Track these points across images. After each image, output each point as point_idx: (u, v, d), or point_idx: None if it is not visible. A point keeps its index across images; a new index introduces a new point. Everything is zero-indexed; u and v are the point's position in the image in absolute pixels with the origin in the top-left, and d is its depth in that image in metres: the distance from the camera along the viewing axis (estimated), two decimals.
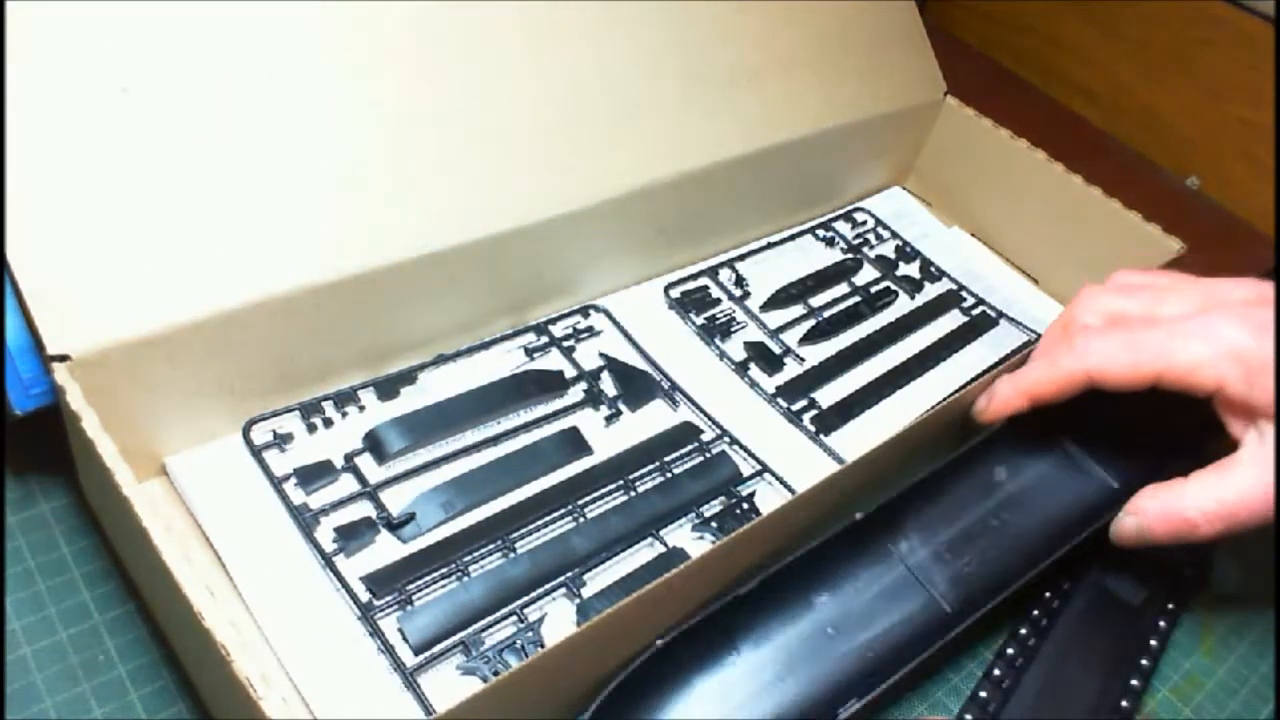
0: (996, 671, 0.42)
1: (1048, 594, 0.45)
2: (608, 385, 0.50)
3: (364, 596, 0.38)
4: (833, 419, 0.51)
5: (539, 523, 0.43)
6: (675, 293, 0.56)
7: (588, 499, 0.44)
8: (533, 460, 0.45)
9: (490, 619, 0.39)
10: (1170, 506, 0.41)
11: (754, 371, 0.53)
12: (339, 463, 0.43)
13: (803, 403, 0.52)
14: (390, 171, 0.44)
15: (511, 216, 0.46)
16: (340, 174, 0.43)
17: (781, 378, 0.53)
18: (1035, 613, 0.44)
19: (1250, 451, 0.40)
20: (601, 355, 0.51)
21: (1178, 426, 0.44)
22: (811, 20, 0.60)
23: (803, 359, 0.55)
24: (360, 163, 0.43)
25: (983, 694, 0.41)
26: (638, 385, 0.50)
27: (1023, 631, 0.43)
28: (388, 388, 0.46)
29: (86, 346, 0.36)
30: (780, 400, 0.51)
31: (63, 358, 0.36)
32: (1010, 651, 0.43)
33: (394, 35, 0.45)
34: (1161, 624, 0.45)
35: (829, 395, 0.53)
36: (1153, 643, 0.44)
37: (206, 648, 0.30)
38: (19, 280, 0.35)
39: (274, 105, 0.42)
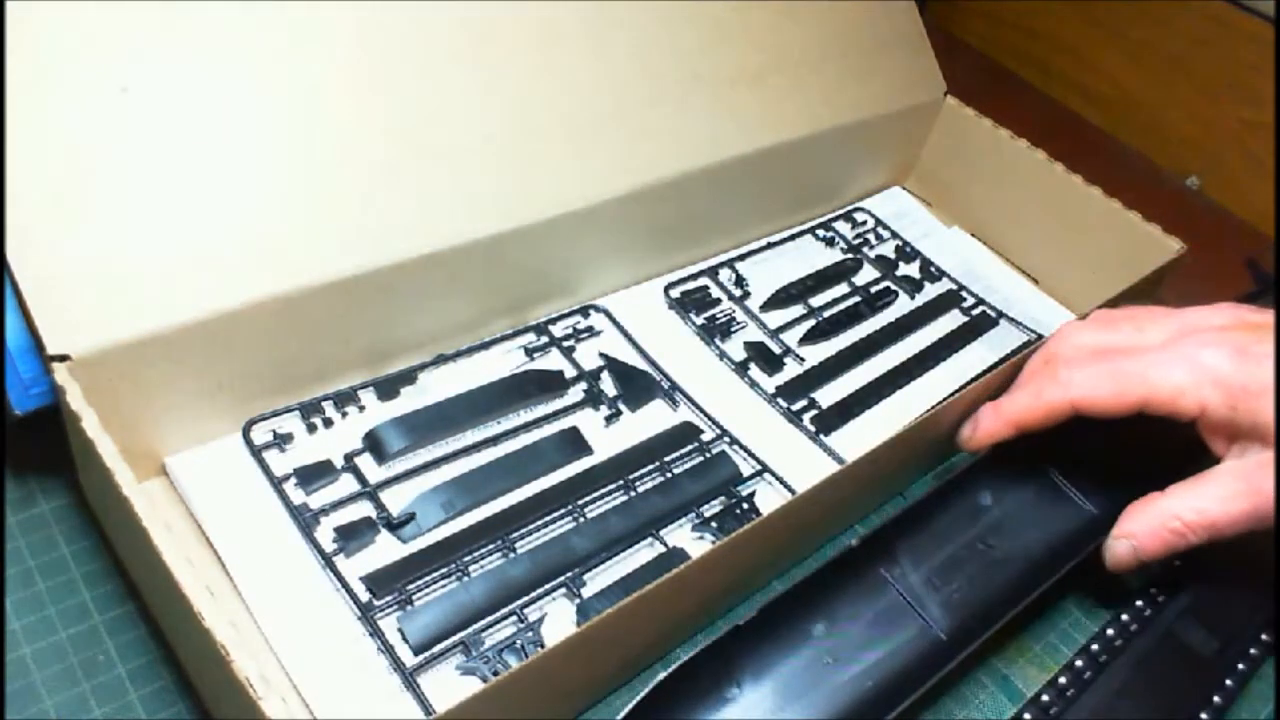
0: (1045, 698, 0.42)
1: (1110, 631, 0.45)
2: (608, 385, 0.50)
3: (364, 596, 0.38)
4: (833, 419, 0.51)
5: (539, 523, 0.43)
6: (675, 293, 0.56)
7: (588, 499, 0.44)
8: (533, 460, 0.45)
9: (490, 619, 0.39)
10: (1155, 521, 0.42)
11: (754, 371, 0.53)
12: (339, 463, 0.43)
13: (803, 403, 0.52)
14: (390, 171, 0.44)
15: (511, 216, 0.46)
16: (340, 174, 0.43)
17: (781, 378, 0.53)
18: (1095, 647, 0.44)
19: (1229, 464, 0.42)
20: (601, 355, 0.51)
21: (1160, 451, 0.45)
22: (811, 20, 0.60)
23: (803, 359, 0.55)
24: (360, 162, 0.43)
25: (1026, 717, 0.41)
26: (638, 385, 0.50)
27: (1078, 664, 0.43)
28: (388, 388, 0.46)
29: (86, 346, 0.36)
30: (780, 400, 0.51)
31: (63, 358, 0.36)
32: (1062, 681, 0.43)
33: (395, 35, 0.45)
34: (1229, 682, 0.44)
35: (829, 395, 0.53)
36: (1216, 699, 0.44)
37: (206, 648, 0.30)
38: (19, 280, 0.35)
39: (274, 105, 0.42)
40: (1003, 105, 0.67)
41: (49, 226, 0.36)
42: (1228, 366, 0.41)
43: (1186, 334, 0.43)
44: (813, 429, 0.50)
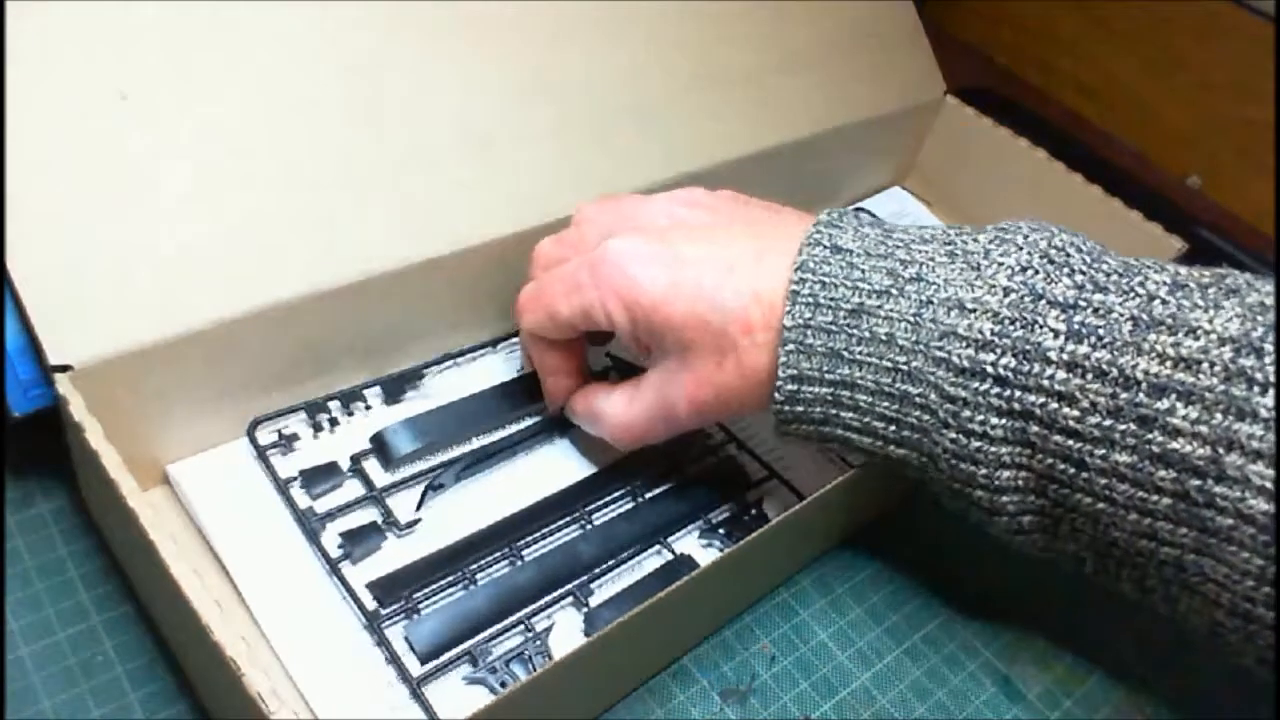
0: None
1: None
2: None
3: (370, 604, 0.38)
4: None
5: (546, 529, 0.42)
6: None
7: (595, 505, 0.44)
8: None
9: (497, 628, 0.39)
10: (586, 414, 0.43)
11: None
12: (345, 465, 0.42)
13: None
14: (392, 176, 0.44)
15: (514, 220, 0.46)
16: (342, 180, 0.42)
17: None
18: None
19: (647, 378, 0.41)
20: (609, 355, 0.50)
21: None
22: (811, 21, 0.60)
23: None
24: (361, 168, 0.43)
25: None
26: None
27: None
28: (394, 388, 0.45)
29: (88, 356, 0.36)
30: None
31: (64, 368, 0.35)
32: None
33: (396, 39, 0.45)
34: None
35: None
36: None
37: (215, 660, 0.30)
38: (19, 290, 0.35)
39: (274, 111, 0.41)
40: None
41: (49, 234, 0.36)
42: (630, 273, 0.38)
43: (622, 229, 0.41)
44: None
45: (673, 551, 0.43)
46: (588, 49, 0.50)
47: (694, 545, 0.44)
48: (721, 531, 0.44)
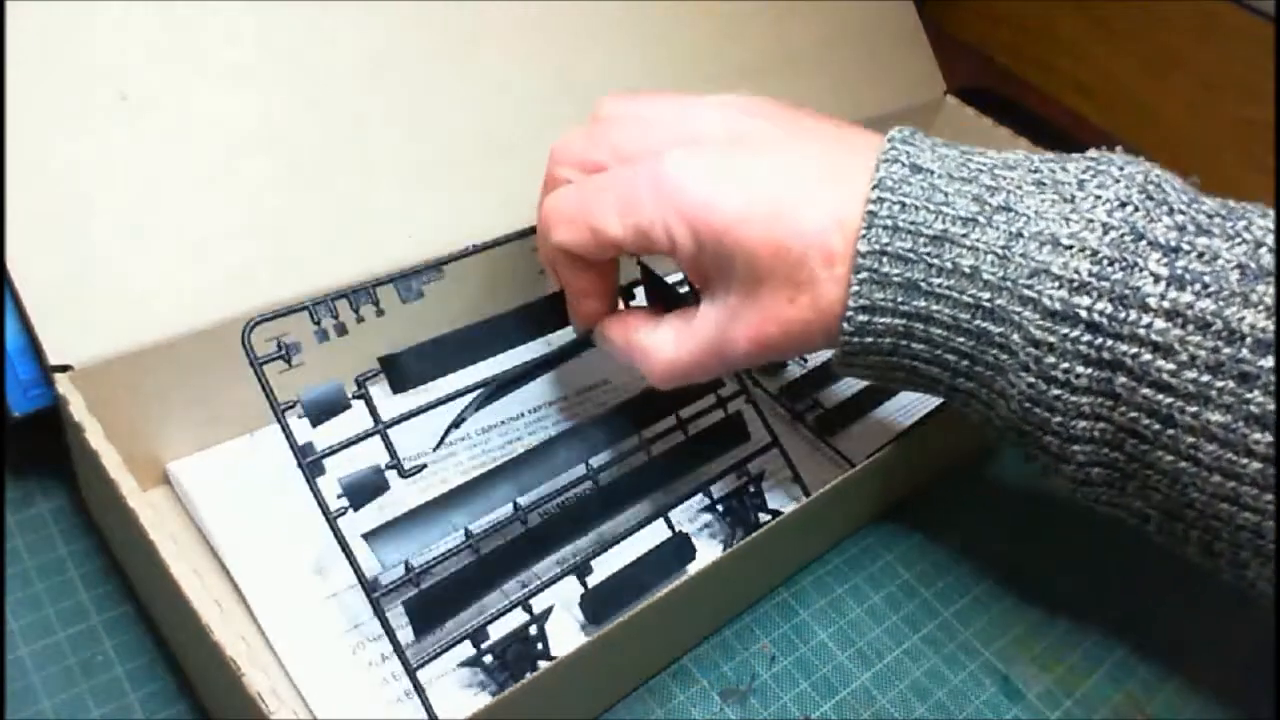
0: None
1: None
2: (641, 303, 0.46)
3: (369, 564, 0.36)
4: (836, 420, 0.51)
5: (552, 485, 0.41)
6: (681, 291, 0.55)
7: (602, 456, 0.42)
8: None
9: (495, 610, 0.37)
10: (624, 349, 0.40)
11: (756, 372, 0.53)
12: (351, 388, 0.37)
13: (806, 404, 0.51)
14: (394, 177, 0.44)
15: (520, 219, 0.46)
16: (344, 180, 0.42)
17: (784, 378, 0.53)
18: None
19: (702, 311, 0.37)
20: (640, 264, 0.45)
21: None
22: (811, 20, 0.60)
23: (805, 360, 0.54)
24: (364, 168, 0.43)
25: None
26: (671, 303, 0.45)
27: None
28: (411, 286, 0.40)
29: (88, 357, 0.36)
30: (784, 401, 0.51)
31: (64, 368, 0.36)
32: None
33: (399, 39, 0.45)
34: None
35: (832, 396, 0.53)
36: None
37: (215, 660, 0.30)
38: (20, 291, 0.35)
39: (276, 110, 0.41)
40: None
41: (49, 235, 0.36)
42: (698, 191, 0.34)
43: (678, 141, 0.36)
44: (816, 430, 0.50)
45: (672, 528, 0.41)
46: (590, 49, 0.50)
47: (693, 524, 0.43)
48: (720, 509, 0.43)
